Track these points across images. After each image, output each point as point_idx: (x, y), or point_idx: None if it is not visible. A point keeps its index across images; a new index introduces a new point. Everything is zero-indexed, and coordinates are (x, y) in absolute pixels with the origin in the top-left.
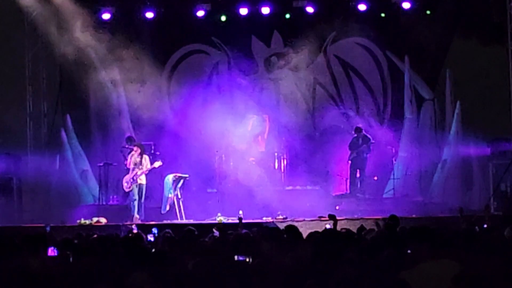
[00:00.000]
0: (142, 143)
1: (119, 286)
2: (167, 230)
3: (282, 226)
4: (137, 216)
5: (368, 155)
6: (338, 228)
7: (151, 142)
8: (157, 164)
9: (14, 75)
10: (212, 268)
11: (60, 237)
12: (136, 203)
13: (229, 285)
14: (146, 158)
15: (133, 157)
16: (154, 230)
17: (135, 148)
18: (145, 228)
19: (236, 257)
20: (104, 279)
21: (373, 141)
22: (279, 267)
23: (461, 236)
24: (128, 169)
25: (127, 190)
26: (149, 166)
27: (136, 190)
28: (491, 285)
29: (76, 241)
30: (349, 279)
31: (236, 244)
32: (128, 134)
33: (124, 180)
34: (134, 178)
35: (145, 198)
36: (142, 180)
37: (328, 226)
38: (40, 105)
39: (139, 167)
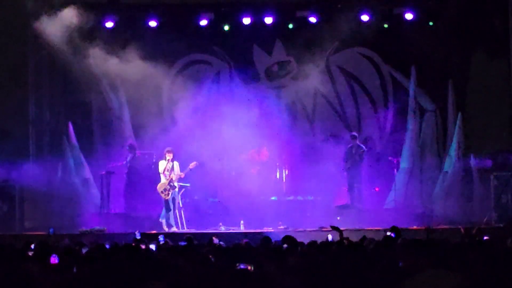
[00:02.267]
0: (144, 152)
1: None
2: (166, 239)
3: (282, 236)
4: (174, 227)
5: (362, 164)
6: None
7: (153, 151)
8: (192, 164)
9: (17, 83)
10: (214, 276)
11: (62, 245)
12: (171, 212)
13: None
14: (177, 164)
15: (167, 163)
16: (161, 238)
17: (168, 154)
18: (147, 237)
19: (238, 266)
20: None
21: (364, 149)
22: (277, 277)
23: (462, 247)
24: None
25: (166, 198)
26: (180, 172)
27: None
28: None
29: (77, 249)
30: None
31: (236, 253)
32: (130, 142)
33: (160, 189)
34: (171, 184)
35: (151, 208)
36: (177, 185)
37: (330, 237)
38: (42, 113)
39: (172, 172)
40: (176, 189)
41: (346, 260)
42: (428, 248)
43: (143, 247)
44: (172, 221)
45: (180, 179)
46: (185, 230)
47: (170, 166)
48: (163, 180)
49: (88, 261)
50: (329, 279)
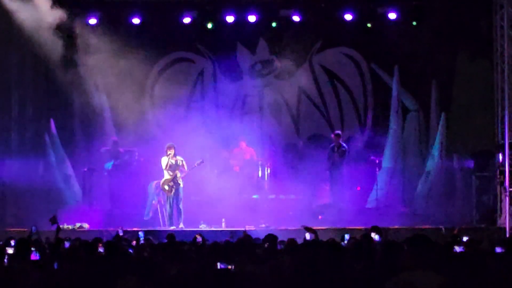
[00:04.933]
0: (126, 149)
1: None
2: (148, 236)
3: (264, 234)
4: (174, 227)
5: (343, 163)
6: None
7: (135, 148)
8: (198, 162)
9: None
10: (194, 275)
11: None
12: (169, 209)
13: None
14: (181, 159)
15: (169, 159)
16: (141, 234)
17: (169, 150)
18: (129, 234)
19: (218, 265)
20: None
21: (346, 148)
22: (257, 276)
23: (444, 248)
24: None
25: (169, 194)
26: (186, 168)
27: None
28: None
29: (59, 246)
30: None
31: (215, 252)
32: (114, 138)
33: (164, 185)
34: (175, 180)
35: (133, 205)
36: (181, 183)
37: (308, 237)
38: (25, 109)
39: (176, 169)
40: (181, 186)
41: (325, 259)
42: (409, 248)
43: (125, 244)
44: (168, 220)
45: (161, 178)
46: (167, 228)
47: (174, 162)
48: (166, 176)
49: (69, 257)
50: (309, 279)
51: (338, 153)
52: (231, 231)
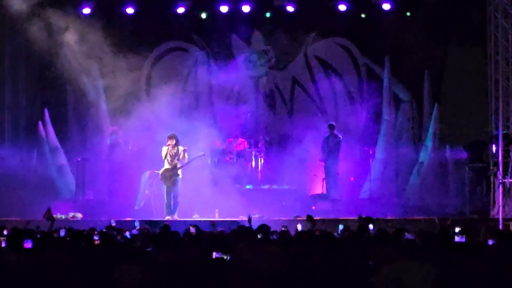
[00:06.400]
0: (122, 139)
1: (96, 281)
2: (145, 226)
3: (257, 225)
4: (169, 217)
5: (338, 154)
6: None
7: (129, 138)
8: (200, 154)
9: None
10: (189, 264)
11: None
12: (166, 199)
13: (205, 282)
14: (182, 149)
15: (169, 148)
16: (137, 223)
17: (170, 139)
18: (123, 224)
19: (213, 255)
20: (79, 275)
21: (340, 139)
22: (252, 266)
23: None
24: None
25: (167, 184)
26: (186, 156)
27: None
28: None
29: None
30: (320, 279)
31: (211, 242)
32: (113, 128)
33: (162, 174)
34: (174, 171)
35: (123, 195)
36: (180, 173)
37: (299, 227)
38: (18, 99)
39: (176, 159)
40: (180, 176)
41: (318, 250)
42: (401, 239)
43: (118, 234)
44: (165, 209)
45: (154, 167)
46: (160, 218)
47: (174, 152)
48: (166, 165)
49: (63, 247)
50: (302, 269)
51: (333, 144)
52: (211, 221)
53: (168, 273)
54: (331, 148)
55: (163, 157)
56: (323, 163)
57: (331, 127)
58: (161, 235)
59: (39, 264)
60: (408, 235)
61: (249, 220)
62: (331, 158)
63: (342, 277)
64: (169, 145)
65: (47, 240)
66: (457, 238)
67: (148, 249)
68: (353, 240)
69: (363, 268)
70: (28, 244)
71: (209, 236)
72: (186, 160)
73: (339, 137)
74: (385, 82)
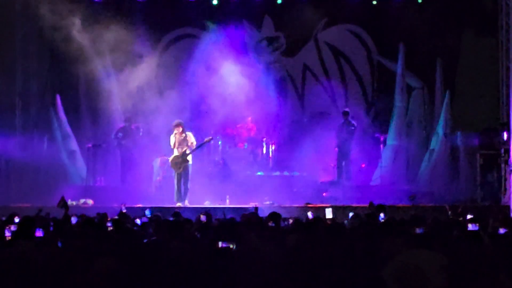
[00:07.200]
0: (135, 125)
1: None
2: (157, 213)
3: (268, 211)
4: (180, 204)
5: (352, 141)
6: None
7: (138, 124)
8: (208, 139)
9: (3, 54)
10: (195, 255)
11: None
12: (176, 185)
13: (211, 272)
14: (190, 135)
15: (176, 136)
16: (147, 212)
17: (176, 128)
18: (133, 211)
19: (220, 244)
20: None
21: (355, 126)
22: (262, 255)
23: (448, 227)
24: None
25: (178, 171)
26: (194, 142)
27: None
28: (478, 276)
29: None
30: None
31: (220, 230)
32: (128, 115)
33: (172, 161)
34: (184, 157)
35: (134, 182)
36: (190, 159)
37: (310, 215)
38: (30, 85)
39: (185, 145)
40: (190, 163)
41: (329, 239)
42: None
43: (128, 221)
44: (176, 195)
45: (166, 154)
46: (171, 205)
47: (181, 139)
48: (175, 153)
49: (75, 235)
50: (311, 259)
51: (348, 131)
52: (205, 209)
53: (174, 262)
54: (345, 135)
55: (172, 146)
56: (336, 150)
57: (345, 113)
58: (172, 224)
59: (51, 253)
60: (419, 230)
61: (256, 210)
62: (344, 145)
63: (350, 267)
64: (176, 133)
65: (60, 230)
66: (470, 227)
67: (152, 238)
68: (363, 229)
69: (372, 259)
70: (39, 233)
71: (219, 225)
72: (194, 146)
73: (354, 124)
74: (399, 69)
